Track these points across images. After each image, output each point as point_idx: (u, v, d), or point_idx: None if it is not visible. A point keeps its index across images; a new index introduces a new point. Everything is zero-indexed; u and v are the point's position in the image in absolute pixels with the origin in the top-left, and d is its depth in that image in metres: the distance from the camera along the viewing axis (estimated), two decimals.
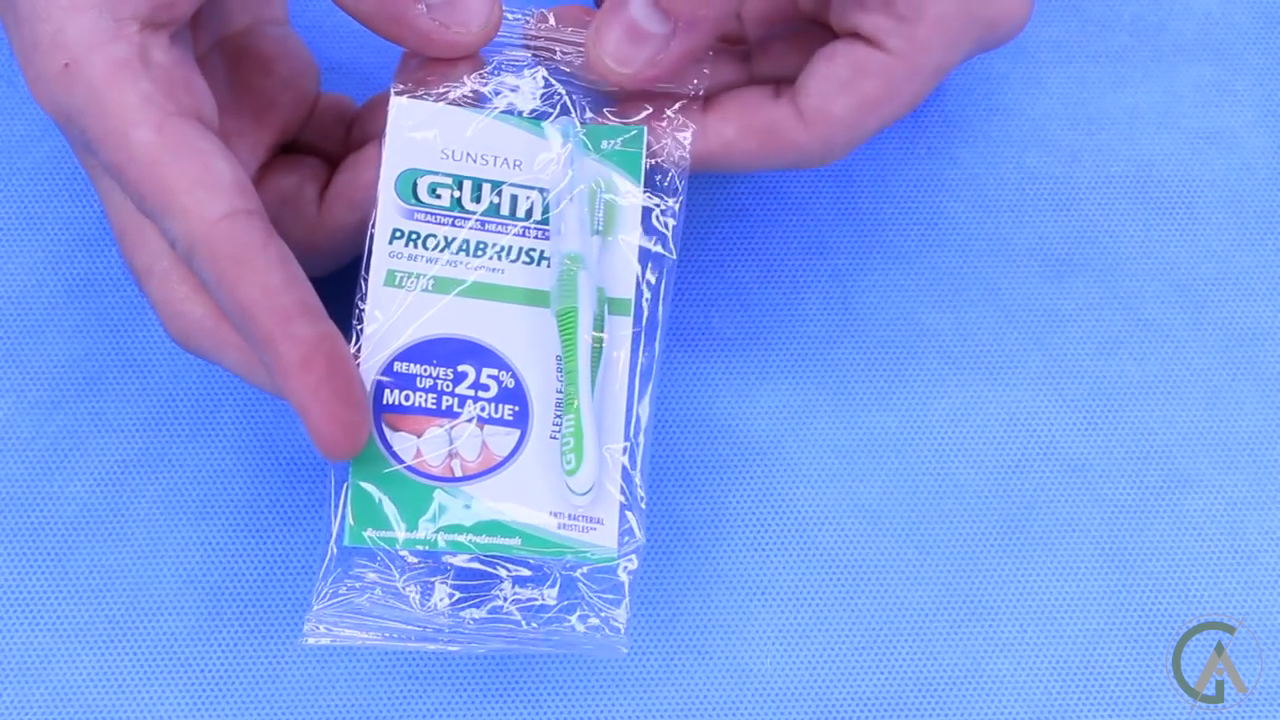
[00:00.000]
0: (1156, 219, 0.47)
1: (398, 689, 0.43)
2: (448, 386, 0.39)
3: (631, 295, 0.40)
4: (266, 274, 0.35)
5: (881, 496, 0.44)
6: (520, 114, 0.41)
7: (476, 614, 0.39)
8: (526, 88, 0.41)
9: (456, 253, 0.40)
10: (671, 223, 0.41)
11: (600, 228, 0.40)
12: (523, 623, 0.39)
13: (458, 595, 0.39)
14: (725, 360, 0.45)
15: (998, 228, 0.47)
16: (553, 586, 0.39)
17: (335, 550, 0.38)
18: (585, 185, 0.40)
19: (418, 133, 0.40)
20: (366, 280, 0.39)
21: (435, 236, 0.40)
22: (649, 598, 0.43)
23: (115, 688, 0.42)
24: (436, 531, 0.38)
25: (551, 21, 0.41)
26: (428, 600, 0.39)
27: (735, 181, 0.47)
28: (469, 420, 0.38)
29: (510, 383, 0.39)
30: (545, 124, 0.41)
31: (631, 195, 0.40)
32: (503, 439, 0.38)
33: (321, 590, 0.38)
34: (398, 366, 0.39)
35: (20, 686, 0.42)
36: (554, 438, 0.39)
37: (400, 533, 0.38)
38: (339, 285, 0.44)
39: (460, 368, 0.39)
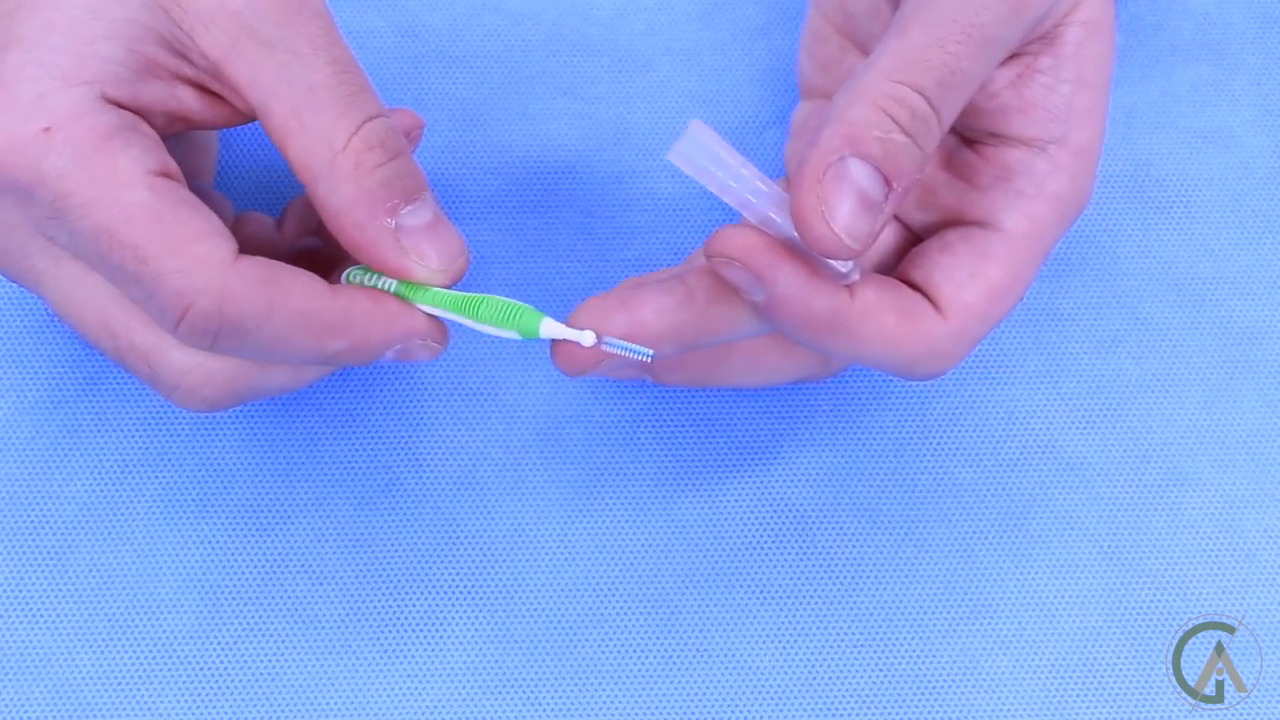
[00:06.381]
0: (1154, 218, 0.47)
1: (397, 688, 0.43)
2: None
3: None
4: (307, 282, 0.36)
5: (881, 496, 0.45)
6: None
7: None
8: None
9: None
10: None
11: None
12: None
13: None
14: None
15: None
16: None
17: None
18: None
19: None
20: None
21: None
22: (649, 597, 0.43)
23: (115, 687, 0.42)
24: None
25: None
26: None
27: None
28: None
29: None
30: None
31: None
32: None
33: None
34: None
35: (20, 686, 0.42)
36: None
37: None
38: None
39: None
